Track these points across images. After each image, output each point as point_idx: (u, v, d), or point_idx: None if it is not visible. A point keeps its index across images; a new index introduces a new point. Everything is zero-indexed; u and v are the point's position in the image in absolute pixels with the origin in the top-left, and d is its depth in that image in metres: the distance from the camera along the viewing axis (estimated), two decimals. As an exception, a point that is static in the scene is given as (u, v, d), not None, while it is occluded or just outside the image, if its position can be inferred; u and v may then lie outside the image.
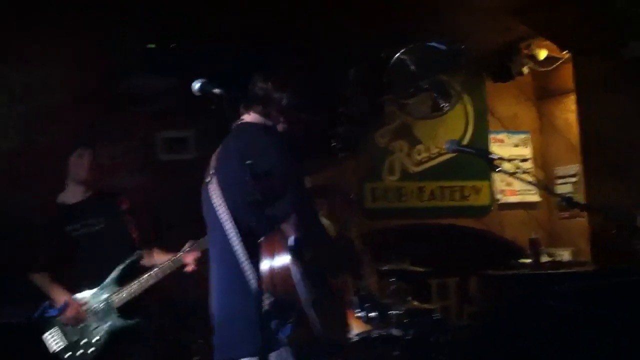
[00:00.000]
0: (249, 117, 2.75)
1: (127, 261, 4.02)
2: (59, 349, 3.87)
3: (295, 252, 2.36)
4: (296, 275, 2.34)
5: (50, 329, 3.90)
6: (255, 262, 2.43)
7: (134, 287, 3.94)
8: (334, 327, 2.53)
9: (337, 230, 4.61)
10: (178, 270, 3.99)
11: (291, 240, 2.39)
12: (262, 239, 2.44)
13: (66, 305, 3.88)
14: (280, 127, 2.66)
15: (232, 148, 2.66)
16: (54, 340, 3.88)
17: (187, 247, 3.99)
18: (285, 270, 2.35)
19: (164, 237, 4.47)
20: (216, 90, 2.48)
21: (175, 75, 4.92)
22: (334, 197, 4.92)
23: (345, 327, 2.86)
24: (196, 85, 2.50)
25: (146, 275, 3.95)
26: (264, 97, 2.68)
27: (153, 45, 4.98)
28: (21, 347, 3.94)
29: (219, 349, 2.62)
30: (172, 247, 4.11)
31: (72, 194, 4.12)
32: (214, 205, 2.62)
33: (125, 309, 3.94)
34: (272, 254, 2.41)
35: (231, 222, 2.54)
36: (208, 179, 2.71)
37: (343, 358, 3.58)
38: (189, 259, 3.97)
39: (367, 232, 5.60)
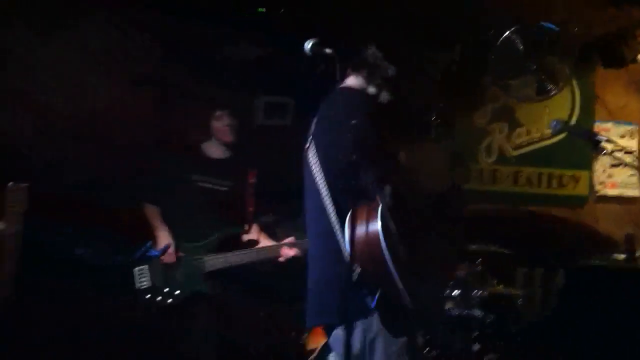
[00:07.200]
0: (352, 81, 2.84)
1: (233, 230, 4.13)
2: (143, 287, 3.97)
3: (385, 222, 2.41)
4: (385, 246, 2.38)
5: (142, 265, 4.00)
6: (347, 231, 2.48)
7: (231, 258, 4.01)
8: (424, 300, 2.57)
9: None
10: (272, 259, 4.01)
11: (382, 211, 2.43)
12: (354, 208, 2.48)
13: (166, 249, 4.02)
14: (381, 96, 2.77)
15: (329, 112, 2.74)
16: (142, 276, 3.97)
17: (290, 240, 4.00)
18: (375, 241, 2.39)
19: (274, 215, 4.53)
20: (327, 50, 2.57)
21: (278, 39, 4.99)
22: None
23: (437, 303, 2.91)
24: (308, 45, 2.59)
25: (246, 251, 4.02)
26: (373, 64, 2.79)
27: (263, 10, 5.06)
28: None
29: (310, 315, 2.72)
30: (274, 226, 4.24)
31: (215, 149, 4.28)
32: (312, 171, 2.69)
33: (211, 275, 4.02)
34: (363, 224, 2.44)
35: (326, 189, 2.62)
36: (307, 145, 2.80)
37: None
38: (286, 252, 3.96)
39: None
